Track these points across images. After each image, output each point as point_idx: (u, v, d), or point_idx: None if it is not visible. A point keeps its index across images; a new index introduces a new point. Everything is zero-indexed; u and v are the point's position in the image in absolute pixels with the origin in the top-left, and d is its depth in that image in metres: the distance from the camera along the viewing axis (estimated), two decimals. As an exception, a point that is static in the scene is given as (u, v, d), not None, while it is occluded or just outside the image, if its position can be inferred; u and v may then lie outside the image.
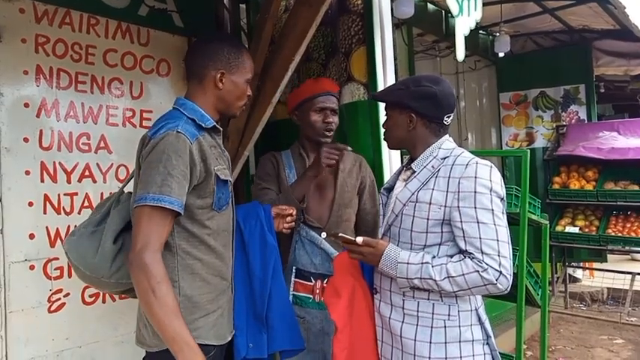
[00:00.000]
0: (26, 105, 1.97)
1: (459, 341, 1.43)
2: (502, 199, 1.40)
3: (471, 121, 5.71)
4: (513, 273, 2.33)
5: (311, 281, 1.95)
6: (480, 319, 1.47)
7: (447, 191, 1.41)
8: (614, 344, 4.22)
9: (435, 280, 1.36)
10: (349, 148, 1.86)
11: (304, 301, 1.95)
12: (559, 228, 4.78)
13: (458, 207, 1.38)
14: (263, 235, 1.57)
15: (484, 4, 4.16)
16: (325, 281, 1.90)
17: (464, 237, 1.37)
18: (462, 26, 2.03)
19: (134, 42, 2.32)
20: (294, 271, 1.97)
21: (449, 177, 1.42)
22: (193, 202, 1.35)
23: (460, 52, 2.03)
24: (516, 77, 5.46)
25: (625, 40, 4.81)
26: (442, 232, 1.43)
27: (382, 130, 1.64)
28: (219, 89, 1.45)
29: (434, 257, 1.41)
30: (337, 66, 2.59)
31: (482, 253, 1.33)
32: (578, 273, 5.72)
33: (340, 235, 1.55)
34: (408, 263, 1.41)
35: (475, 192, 1.37)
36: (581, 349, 4.16)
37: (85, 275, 1.37)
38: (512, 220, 2.44)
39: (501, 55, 4.71)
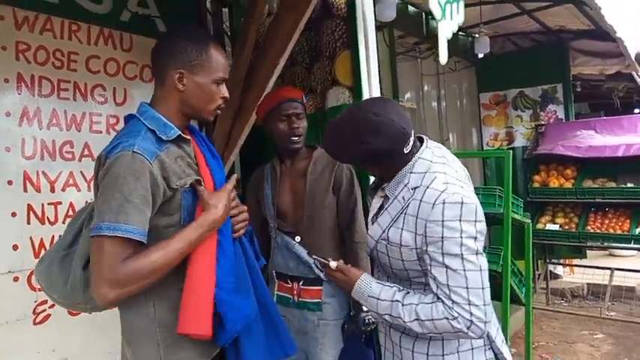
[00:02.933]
0: (7, 114, 1.94)
1: (458, 352, 1.39)
2: (476, 238, 1.26)
3: (452, 121, 5.78)
4: (498, 273, 2.39)
5: (289, 283, 2.04)
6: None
7: (416, 233, 1.31)
8: (595, 339, 4.32)
9: (404, 321, 1.31)
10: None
11: (286, 301, 2.04)
12: (540, 226, 4.87)
13: (427, 251, 1.29)
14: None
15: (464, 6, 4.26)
16: (301, 283, 2.00)
17: (434, 281, 1.28)
18: (445, 30, 2.06)
19: (117, 48, 2.29)
20: (274, 273, 2.09)
21: (417, 217, 1.30)
22: (159, 222, 1.23)
23: (443, 56, 2.06)
24: (496, 77, 5.56)
25: (600, 40, 4.92)
26: (422, 268, 1.34)
27: None
28: (180, 92, 1.29)
29: (407, 293, 1.35)
30: (322, 70, 2.60)
31: (451, 301, 1.25)
32: (559, 270, 5.84)
33: (314, 257, 1.60)
34: (378, 299, 1.36)
35: (442, 237, 1.25)
36: (564, 344, 4.24)
37: (60, 302, 1.30)
38: (497, 220, 2.49)
39: (481, 56, 4.78)
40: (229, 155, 2.58)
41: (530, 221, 2.63)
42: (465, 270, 1.24)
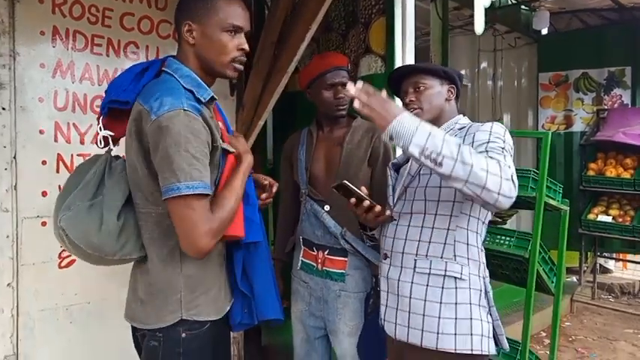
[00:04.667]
0: (42, 65, 2.01)
1: (470, 303, 1.44)
2: (511, 154, 1.42)
3: (507, 101, 5.51)
4: (525, 259, 2.27)
5: (314, 251, 2.03)
6: (486, 288, 1.50)
7: (464, 143, 1.38)
8: (639, 338, 4.08)
9: (457, 151, 1.25)
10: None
11: (309, 268, 2.04)
12: (591, 216, 4.60)
13: (472, 142, 1.44)
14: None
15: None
16: (326, 252, 1.98)
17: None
18: (482, -3, 1.93)
19: (151, 6, 2.31)
20: (301, 239, 2.08)
21: (465, 134, 1.50)
22: None
23: (479, 26, 1.94)
24: (558, 57, 5.19)
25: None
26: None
27: (408, 100, 1.62)
28: (192, 45, 1.29)
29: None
30: (356, 37, 2.53)
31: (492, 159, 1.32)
32: (610, 264, 5.51)
33: (345, 183, 1.53)
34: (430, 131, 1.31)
35: (489, 141, 1.40)
36: (604, 340, 4.04)
37: (86, 253, 1.29)
38: (529, 204, 2.36)
39: (544, 32, 4.47)
40: (258, 121, 2.57)
41: (567, 208, 2.47)
42: (505, 157, 1.34)
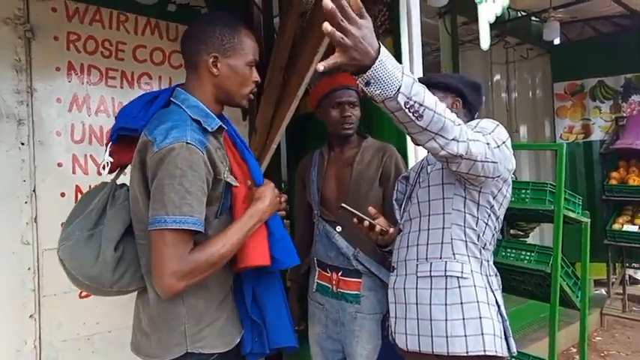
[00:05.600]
0: (58, 100, 2.08)
1: (477, 301, 1.40)
2: (505, 142, 1.40)
3: (523, 112, 5.44)
4: (547, 273, 2.22)
5: (328, 272, 2.01)
6: (491, 286, 1.46)
7: None
8: (675, 353, 3.93)
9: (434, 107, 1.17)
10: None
11: (325, 290, 2.02)
12: (616, 226, 4.48)
13: None
14: None
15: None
16: (340, 274, 1.96)
17: None
18: (486, 13, 1.93)
19: (163, 38, 2.38)
20: (315, 261, 2.07)
21: None
22: None
23: (484, 41, 1.94)
24: (572, 66, 5.12)
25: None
26: (447, 183, 1.45)
27: None
28: (215, 76, 1.31)
29: None
30: (365, 57, 2.55)
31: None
32: (640, 274, 5.35)
33: (344, 207, 1.60)
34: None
35: (479, 124, 1.42)
36: (636, 356, 3.89)
37: (83, 284, 1.29)
38: (547, 218, 2.32)
39: (556, 42, 4.43)
40: (271, 143, 2.60)
41: (588, 220, 2.42)
42: (491, 134, 1.37)
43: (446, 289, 1.41)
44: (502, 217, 1.53)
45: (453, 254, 1.44)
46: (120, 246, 1.29)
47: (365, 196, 1.93)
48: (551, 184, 2.25)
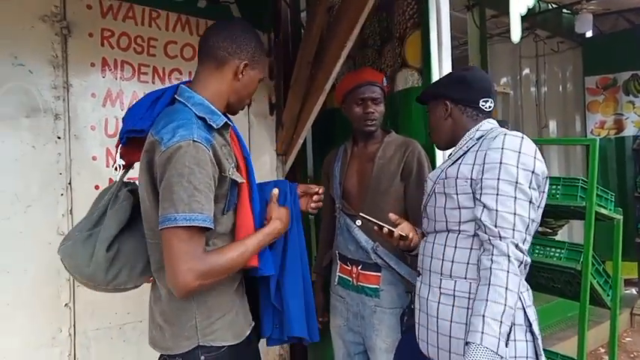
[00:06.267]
0: (93, 95, 2.13)
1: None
2: (533, 171, 1.34)
3: (552, 107, 5.33)
4: (577, 271, 2.18)
5: (348, 266, 2.04)
6: (523, 304, 1.39)
7: (474, 164, 1.40)
8: None
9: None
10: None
11: (346, 283, 2.05)
12: (649, 224, 4.37)
13: (482, 179, 1.36)
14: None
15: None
16: (360, 267, 1.98)
17: (483, 209, 1.34)
18: (517, 4, 1.90)
19: (193, 34, 2.41)
20: (337, 254, 2.10)
21: (477, 150, 1.42)
22: None
23: (515, 34, 1.91)
24: (605, 59, 5.00)
25: None
26: (476, 206, 1.38)
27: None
28: (237, 80, 1.36)
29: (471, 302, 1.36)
30: (392, 52, 2.54)
31: (495, 225, 1.30)
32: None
33: (361, 215, 1.60)
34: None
35: (500, 163, 1.33)
36: (669, 357, 3.80)
37: (82, 282, 1.34)
38: (579, 215, 2.27)
39: (589, 35, 4.32)
40: (297, 138, 2.63)
41: (621, 217, 2.36)
42: (515, 198, 1.30)
43: (468, 308, 1.37)
44: (539, 220, 1.46)
45: (479, 276, 1.37)
46: (114, 246, 1.32)
47: (385, 192, 1.94)
48: (583, 180, 2.21)
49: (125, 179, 1.44)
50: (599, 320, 3.69)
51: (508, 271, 1.26)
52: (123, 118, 1.43)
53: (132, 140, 1.38)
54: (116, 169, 1.44)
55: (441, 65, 2.29)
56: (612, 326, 2.38)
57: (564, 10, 4.82)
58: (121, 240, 1.33)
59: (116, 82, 2.19)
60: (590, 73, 5.17)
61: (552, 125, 5.35)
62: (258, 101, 2.66)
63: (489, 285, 1.26)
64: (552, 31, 4.98)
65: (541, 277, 2.40)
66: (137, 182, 1.35)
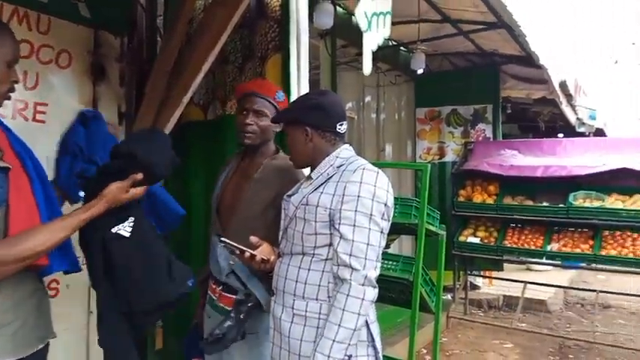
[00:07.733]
0: None
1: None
2: (385, 204, 1.48)
3: (389, 133, 5.93)
4: (410, 281, 2.46)
5: (214, 284, 1.90)
6: (367, 320, 1.49)
7: (334, 194, 1.48)
8: (504, 348, 4.54)
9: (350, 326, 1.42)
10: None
11: (211, 301, 1.91)
12: (462, 238, 5.07)
13: (340, 209, 1.46)
14: None
15: (404, 22, 4.38)
16: (220, 288, 1.86)
17: (339, 238, 1.46)
18: (370, 42, 2.11)
19: (32, 29, 2.17)
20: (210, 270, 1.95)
21: (338, 181, 1.51)
22: None
23: (367, 67, 2.12)
24: (432, 94, 5.77)
25: (529, 65, 5.20)
26: (330, 233, 1.49)
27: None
28: None
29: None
30: (253, 70, 2.60)
31: (349, 255, 1.43)
32: (479, 281, 6.09)
33: (222, 240, 1.60)
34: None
35: (358, 196, 1.45)
36: (475, 353, 4.43)
37: None
38: (412, 231, 2.57)
39: (420, 72, 4.93)
40: (151, 149, 2.51)
41: (444, 232, 2.73)
42: (369, 229, 1.44)
43: (317, 327, 1.47)
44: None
45: (329, 297, 1.49)
46: None
47: (255, 217, 1.83)
48: (416, 200, 2.51)
49: None
50: (421, 324, 4.13)
51: (363, 299, 1.43)
52: None
53: None
54: None
55: (299, 87, 2.41)
56: (436, 329, 2.73)
57: (402, 48, 5.43)
58: None
59: None
60: (421, 104, 5.91)
61: (388, 149, 5.95)
62: (105, 109, 2.49)
63: (343, 310, 1.41)
64: (391, 65, 5.56)
65: (379, 289, 2.64)
66: None
